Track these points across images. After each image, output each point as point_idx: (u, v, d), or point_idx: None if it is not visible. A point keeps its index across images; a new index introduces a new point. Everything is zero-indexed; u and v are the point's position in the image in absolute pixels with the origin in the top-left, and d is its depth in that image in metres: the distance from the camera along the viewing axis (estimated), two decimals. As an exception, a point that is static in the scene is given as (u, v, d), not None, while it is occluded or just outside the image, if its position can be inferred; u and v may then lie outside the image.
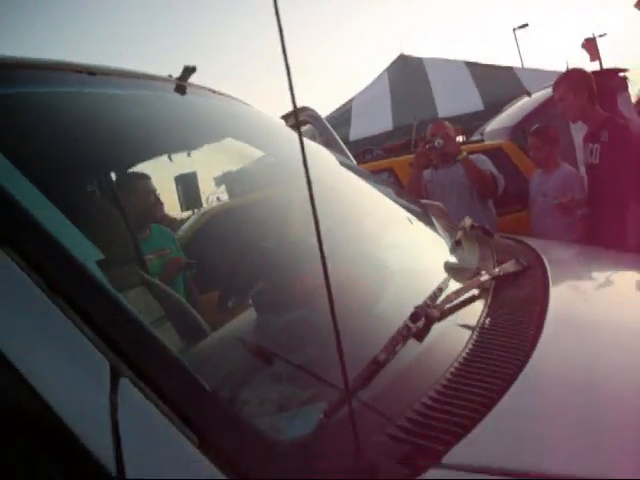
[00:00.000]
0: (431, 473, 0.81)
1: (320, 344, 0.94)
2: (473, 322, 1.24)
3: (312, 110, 3.61)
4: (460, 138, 7.35)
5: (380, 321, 1.22)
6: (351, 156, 3.41)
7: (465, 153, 4.03)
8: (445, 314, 1.21)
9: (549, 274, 1.61)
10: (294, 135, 2.55)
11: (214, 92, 2.12)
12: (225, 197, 3.88)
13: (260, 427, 0.86)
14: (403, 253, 1.74)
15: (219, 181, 3.56)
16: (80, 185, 2.03)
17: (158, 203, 2.88)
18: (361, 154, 6.77)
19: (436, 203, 2.90)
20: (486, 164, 4.12)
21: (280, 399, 0.94)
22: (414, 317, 1.10)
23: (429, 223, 2.07)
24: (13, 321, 0.86)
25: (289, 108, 0.79)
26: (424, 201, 2.93)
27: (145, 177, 2.68)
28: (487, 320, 1.26)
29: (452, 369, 1.04)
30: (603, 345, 1.20)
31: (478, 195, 4.09)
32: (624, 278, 1.92)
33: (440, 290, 1.29)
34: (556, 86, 3.60)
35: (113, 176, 2.47)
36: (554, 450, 0.88)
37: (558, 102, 3.60)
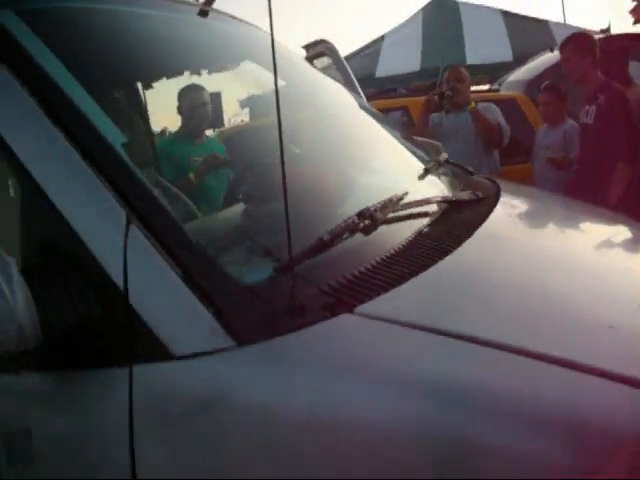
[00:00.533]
0: (342, 317, 1.15)
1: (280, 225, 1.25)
2: (412, 229, 1.56)
3: (330, 43, 3.85)
4: (484, 87, 7.51)
5: (337, 216, 1.52)
6: (361, 92, 3.66)
7: (474, 104, 4.28)
8: (390, 220, 1.53)
9: (497, 207, 1.91)
10: (310, 66, 2.84)
11: (236, 19, 2.40)
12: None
13: (232, 273, 1.20)
14: (378, 174, 2.05)
15: (243, 104, 3.81)
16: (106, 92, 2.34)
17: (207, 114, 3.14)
18: (384, 91, 6.96)
19: (435, 142, 3.17)
20: (495, 113, 4.37)
21: (248, 257, 1.28)
22: (360, 214, 1.42)
23: (413, 154, 2.36)
24: (63, 176, 1.20)
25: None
26: (421, 139, 3.20)
27: (200, 88, 2.96)
28: (425, 230, 1.59)
29: (381, 257, 1.37)
30: (510, 262, 1.52)
31: (483, 143, 4.36)
32: (571, 223, 2.23)
33: (392, 202, 1.59)
34: (563, 47, 3.83)
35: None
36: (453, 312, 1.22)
37: (563, 62, 3.83)
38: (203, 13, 2.15)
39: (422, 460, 1.02)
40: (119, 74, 2.09)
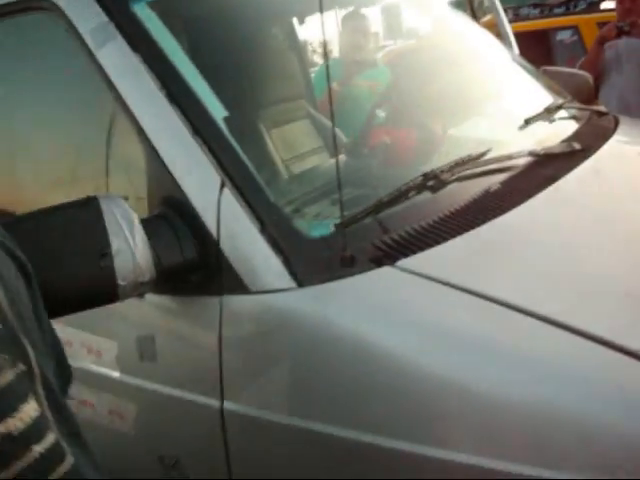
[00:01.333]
0: (383, 269, 1.43)
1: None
2: (481, 187, 1.75)
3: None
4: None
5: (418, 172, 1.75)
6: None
7: None
8: (462, 178, 1.73)
9: (587, 162, 1.98)
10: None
11: None
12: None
13: (299, 228, 1.51)
14: (480, 123, 2.22)
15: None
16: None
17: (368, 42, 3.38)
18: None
19: (583, 73, 3.17)
20: None
21: (316, 213, 1.59)
22: (426, 175, 1.65)
23: (535, 95, 2.44)
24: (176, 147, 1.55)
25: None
26: (566, 69, 3.21)
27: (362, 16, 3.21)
28: (493, 188, 1.77)
29: (435, 215, 1.59)
30: (567, 226, 1.67)
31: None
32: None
33: (469, 159, 1.78)
34: None
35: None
36: (482, 272, 1.45)
37: None
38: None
39: (433, 393, 1.29)
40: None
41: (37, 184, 2.20)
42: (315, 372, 1.39)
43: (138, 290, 1.45)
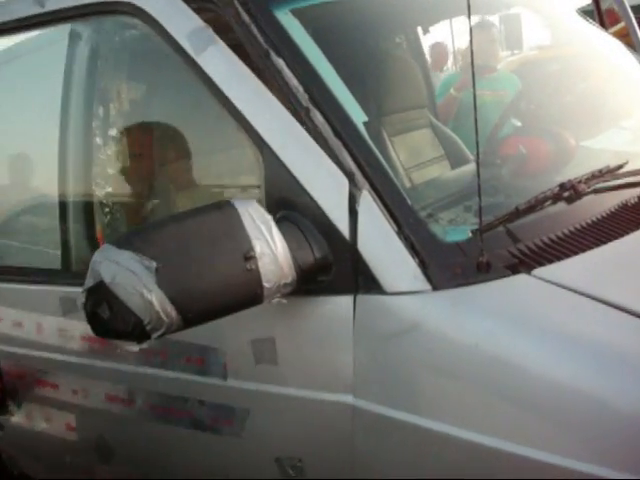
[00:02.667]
0: (519, 277, 1.42)
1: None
2: (619, 200, 1.72)
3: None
4: None
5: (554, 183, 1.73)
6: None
7: None
8: (599, 190, 1.71)
9: None
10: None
11: None
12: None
13: (435, 231, 1.52)
14: (617, 135, 2.17)
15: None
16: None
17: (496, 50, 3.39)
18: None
19: None
20: None
21: (452, 217, 1.60)
22: (562, 186, 1.64)
23: None
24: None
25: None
26: None
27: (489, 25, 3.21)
28: (632, 201, 1.73)
29: (572, 226, 1.58)
30: None
31: None
32: None
33: (606, 170, 1.75)
34: None
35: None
36: (621, 285, 1.43)
37: None
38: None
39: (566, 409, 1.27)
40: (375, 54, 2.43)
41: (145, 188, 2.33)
42: (447, 375, 1.41)
43: (281, 292, 1.50)
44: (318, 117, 1.61)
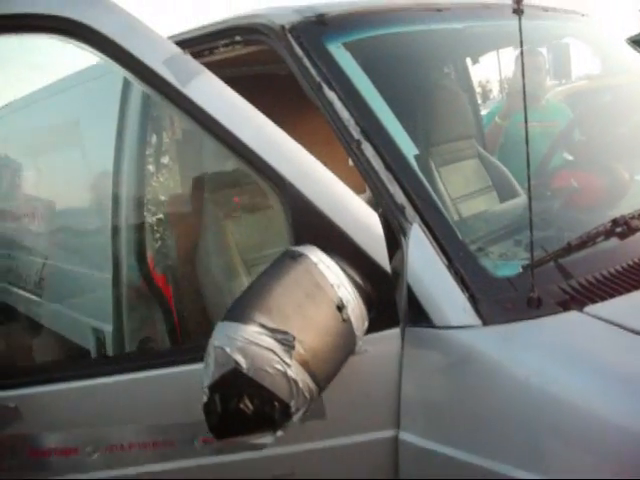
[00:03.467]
0: (571, 313, 1.41)
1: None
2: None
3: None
4: None
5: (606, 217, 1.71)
6: None
7: None
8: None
9: None
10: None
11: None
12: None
13: (486, 266, 1.52)
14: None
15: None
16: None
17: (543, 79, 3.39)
18: None
19: None
20: None
21: (502, 252, 1.59)
22: (615, 221, 1.62)
23: None
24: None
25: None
26: None
27: (537, 53, 3.22)
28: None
29: (625, 264, 1.56)
30: None
31: None
32: None
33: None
34: None
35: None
36: None
37: None
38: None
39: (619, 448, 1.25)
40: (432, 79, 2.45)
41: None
42: (496, 411, 1.39)
43: (363, 337, 1.44)
44: (369, 150, 1.62)
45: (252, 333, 1.24)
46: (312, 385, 1.29)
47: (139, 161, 2.39)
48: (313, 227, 1.49)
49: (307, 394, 1.28)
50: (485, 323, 1.44)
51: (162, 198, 2.44)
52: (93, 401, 1.57)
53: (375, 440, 1.55)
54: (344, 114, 1.68)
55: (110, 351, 2.50)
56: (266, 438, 1.31)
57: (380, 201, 1.59)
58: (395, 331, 1.52)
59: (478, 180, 2.57)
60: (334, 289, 1.37)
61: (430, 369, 1.50)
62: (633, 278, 1.52)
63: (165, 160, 2.42)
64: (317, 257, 1.40)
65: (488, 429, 1.41)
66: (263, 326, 1.25)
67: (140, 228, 2.40)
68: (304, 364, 1.27)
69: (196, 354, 1.52)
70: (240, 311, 1.29)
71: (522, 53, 1.47)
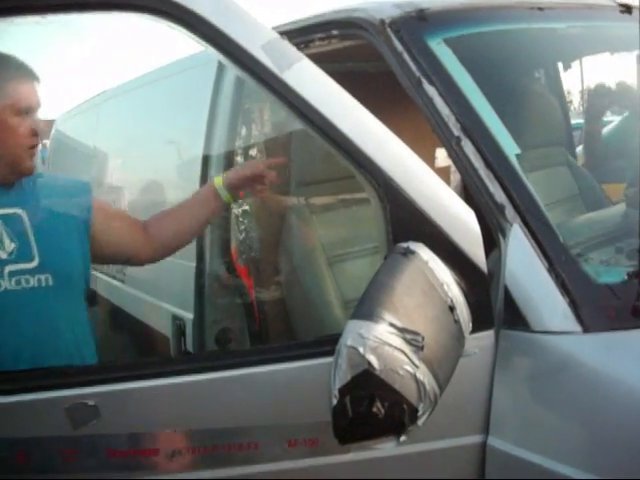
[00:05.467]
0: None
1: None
2: None
3: None
4: None
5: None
6: None
7: None
8: None
9: None
10: None
11: None
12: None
13: (589, 271, 1.46)
14: None
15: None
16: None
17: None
18: None
19: None
20: None
21: (607, 258, 1.53)
22: None
23: None
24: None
25: None
26: None
27: None
28: None
29: None
30: None
31: None
32: None
33: None
34: None
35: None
36: None
37: None
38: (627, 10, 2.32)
39: None
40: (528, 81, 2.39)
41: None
42: (595, 421, 1.34)
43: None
44: (469, 147, 1.59)
45: (384, 333, 1.19)
46: (436, 388, 1.25)
47: (228, 153, 2.40)
48: (412, 224, 1.45)
49: (432, 397, 1.24)
50: (586, 330, 1.38)
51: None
52: (173, 400, 1.51)
53: (463, 445, 1.51)
54: (444, 110, 1.65)
55: (189, 339, 2.52)
56: (390, 443, 1.27)
57: (479, 200, 1.55)
58: (489, 333, 1.47)
59: (568, 187, 2.50)
60: (444, 288, 1.34)
61: (525, 374, 1.46)
62: None
63: (254, 152, 2.42)
64: (427, 255, 1.36)
65: (583, 440, 1.36)
66: (393, 325, 1.20)
67: (225, 219, 2.41)
68: (429, 366, 1.23)
69: (280, 354, 1.55)
70: (369, 309, 1.23)
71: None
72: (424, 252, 1.37)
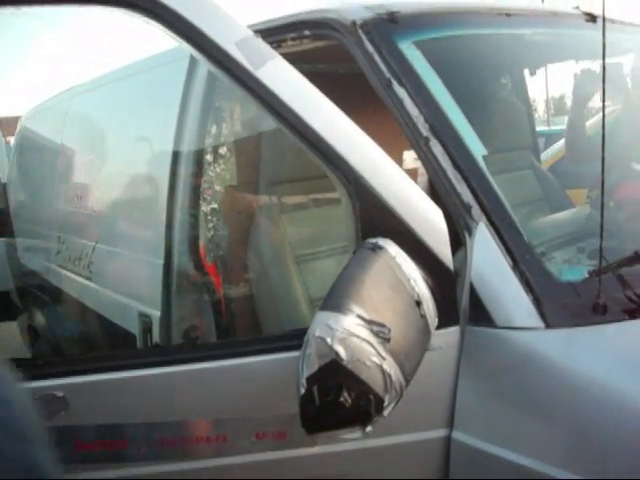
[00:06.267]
0: (637, 322, 1.39)
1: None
2: None
3: None
4: None
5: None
6: None
7: None
8: None
9: None
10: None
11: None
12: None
13: (552, 270, 1.51)
14: None
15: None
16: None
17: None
18: None
19: None
20: None
21: (568, 257, 1.57)
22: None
23: None
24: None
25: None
26: None
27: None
28: None
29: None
30: None
31: None
32: None
33: None
34: None
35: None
36: None
37: None
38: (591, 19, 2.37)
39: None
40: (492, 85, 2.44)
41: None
42: (556, 414, 1.38)
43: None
44: (438, 147, 1.62)
45: (352, 324, 1.22)
46: (402, 379, 1.28)
47: (198, 150, 2.41)
48: (381, 221, 1.48)
49: (398, 388, 1.27)
50: (548, 326, 1.43)
51: (218, 188, 2.45)
52: (141, 393, 1.53)
53: (428, 439, 1.54)
54: (413, 111, 1.68)
55: (156, 336, 2.51)
56: (356, 433, 1.29)
57: (446, 199, 1.59)
58: (455, 329, 1.51)
59: (532, 190, 2.55)
60: (411, 284, 1.37)
61: (489, 369, 1.49)
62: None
63: (223, 151, 2.43)
64: (395, 250, 1.39)
65: (546, 432, 1.39)
66: (360, 317, 1.23)
67: (194, 216, 2.41)
68: (396, 358, 1.25)
69: (247, 347, 1.56)
70: (337, 302, 1.26)
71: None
72: (392, 248, 1.40)
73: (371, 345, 1.23)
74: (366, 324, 1.23)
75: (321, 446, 1.50)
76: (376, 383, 1.23)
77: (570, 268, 1.56)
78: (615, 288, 1.46)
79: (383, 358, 1.23)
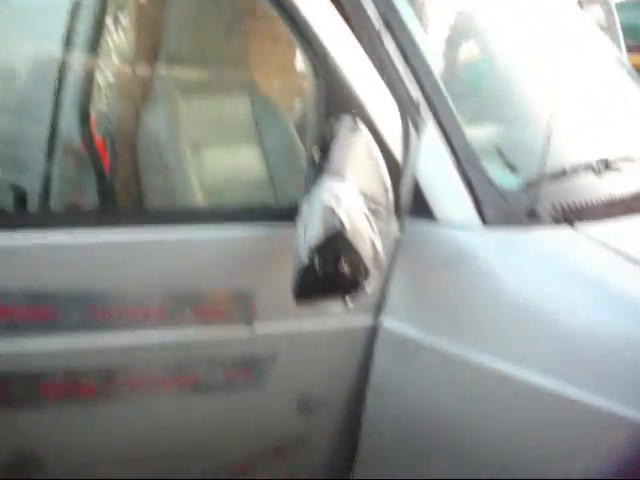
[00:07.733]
0: (561, 227, 1.53)
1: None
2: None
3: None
4: None
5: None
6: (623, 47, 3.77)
7: None
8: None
9: None
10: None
11: None
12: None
13: (493, 175, 1.59)
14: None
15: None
16: None
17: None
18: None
19: None
20: None
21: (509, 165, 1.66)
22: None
23: None
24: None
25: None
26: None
27: None
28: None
29: (619, 193, 1.66)
30: None
31: None
32: None
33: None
34: None
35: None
36: None
37: None
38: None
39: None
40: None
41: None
42: (488, 306, 1.49)
43: None
44: (391, 43, 1.63)
45: (355, 197, 1.24)
46: (384, 258, 1.33)
47: (98, 17, 2.22)
48: (344, 102, 1.52)
49: (381, 266, 1.32)
50: (485, 224, 1.52)
51: (115, 61, 2.28)
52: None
53: (354, 326, 1.60)
54: (368, 3, 1.66)
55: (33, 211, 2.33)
56: (337, 307, 1.32)
57: (396, 96, 1.61)
58: (394, 220, 1.56)
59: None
60: (381, 169, 1.42)
61: (427, 261, 1.57)
62: (625, 207, 1.64)
63: (126, 21, 2.26)
64: (367, 134, 1.43)
65: (478, 323, 1.50)
66: (362, 192, 1.26)
67: (88, 86, 2.25)
68: (383, 238, 1.30)
69: None
70: (340, 172, 1.27)
71: None
72: (365, 131, 1.42)
73: (368, 220, 1.26)
74: (365, 198, 1.27)
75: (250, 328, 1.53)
76: (368, 257, 1.27)
77: (508, 174, 1.64)
78: (546, 197, 1.57)
79: (375, 234, 1.27)
